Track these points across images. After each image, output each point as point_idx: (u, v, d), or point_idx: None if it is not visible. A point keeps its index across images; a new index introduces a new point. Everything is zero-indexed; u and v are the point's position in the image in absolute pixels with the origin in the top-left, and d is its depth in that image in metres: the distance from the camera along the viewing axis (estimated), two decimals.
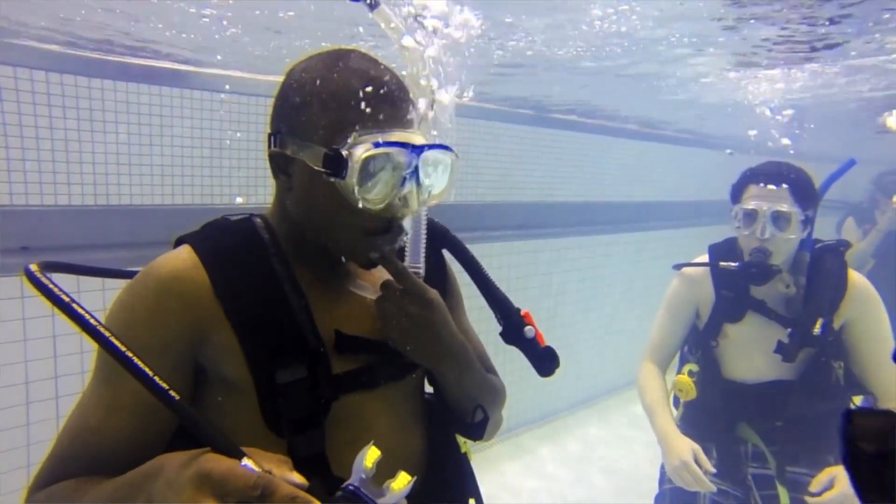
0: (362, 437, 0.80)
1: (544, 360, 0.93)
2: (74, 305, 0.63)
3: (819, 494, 1.42)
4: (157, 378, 0.62)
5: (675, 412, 1.87)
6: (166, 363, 0.73)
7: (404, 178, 0.73)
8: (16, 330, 1.87)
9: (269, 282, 0.77)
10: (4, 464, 1.87)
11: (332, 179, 0.71)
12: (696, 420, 1.81)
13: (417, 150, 0.73)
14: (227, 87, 2.26)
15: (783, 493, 1.60)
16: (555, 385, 3.79)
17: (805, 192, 1.56)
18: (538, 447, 3.48)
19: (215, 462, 0.59)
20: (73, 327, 0.63)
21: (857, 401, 1.63)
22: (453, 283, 1.00)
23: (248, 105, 2.31)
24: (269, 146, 0.78)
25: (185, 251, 0.76)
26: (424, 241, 0.85)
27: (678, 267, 1.81)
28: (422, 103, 0.79)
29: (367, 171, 0.71)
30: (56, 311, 0.63)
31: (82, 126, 1.96)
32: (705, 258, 1.75)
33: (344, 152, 0.70)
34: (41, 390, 1.93)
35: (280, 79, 0.80)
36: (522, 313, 0.94)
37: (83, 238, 1.98)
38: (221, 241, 0.78)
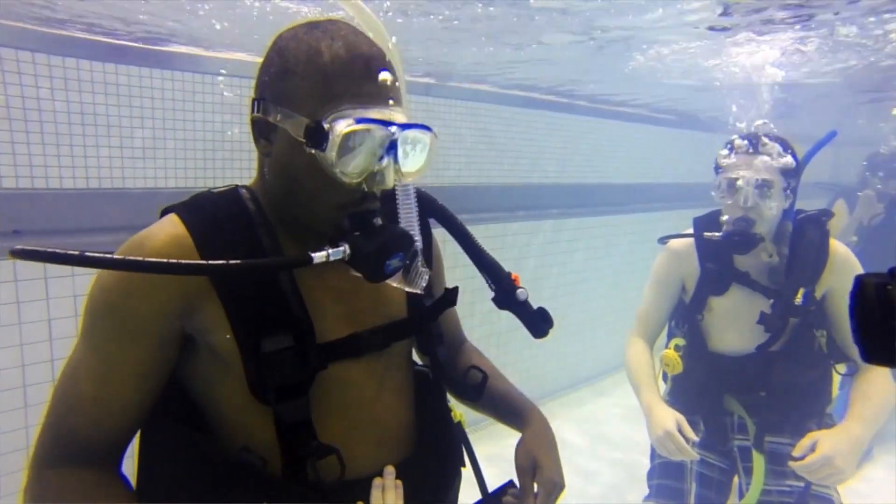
0: (349, 404, 0.82)
1: (538, 322, 0.95)
2: (67, 251, 0.65)
3: (801, 459, 1.46)
4: (175, 260, 0.69)
5: (663, 386, 1.90)
6: (156, 331, 0.75)
7: (382, 155, 0.74)
8: (10, 313, 1.88)
9: (255, 252, 0.77)
10: (4, 446, 1.90)
11: (312, 151, 0.72)
12: (683, 394, 1.84)
13: (398, 128, 0.74)
14: (224, 70, 2.25)
15: (758, 461, 1.63)
16: (553, 365, 3.84)
17: (787, 162, 1.58)
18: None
19: None
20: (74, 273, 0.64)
21: (841, 369, 1.65)
22: (437, 250, 1.02)
23: (246, 88, 2.31)
24: (252, 111, 0.78)
25: (174, 222, 0.77)
26: (417, 214, 0.86)
27: (663, 240, 1.83)
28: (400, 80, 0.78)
29: (347, 145, 0.72)
30: (57, 265, 0.67)
31: (72, 108, 1.96)
32: (691, 231, 1.77)
33: (325, 125, 0.71)
34: (37, 373, 1.95)
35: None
36: (512, 277, 0.95)
37: (75, 221, 1.98)
38: (208, 212, 0.79)
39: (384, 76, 0.74)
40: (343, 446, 0.78)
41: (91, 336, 0.76)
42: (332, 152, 0.71)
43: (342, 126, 0.70)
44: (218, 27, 1.97)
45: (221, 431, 0.80)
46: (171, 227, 0.76)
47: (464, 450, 0.98)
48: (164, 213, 0.81)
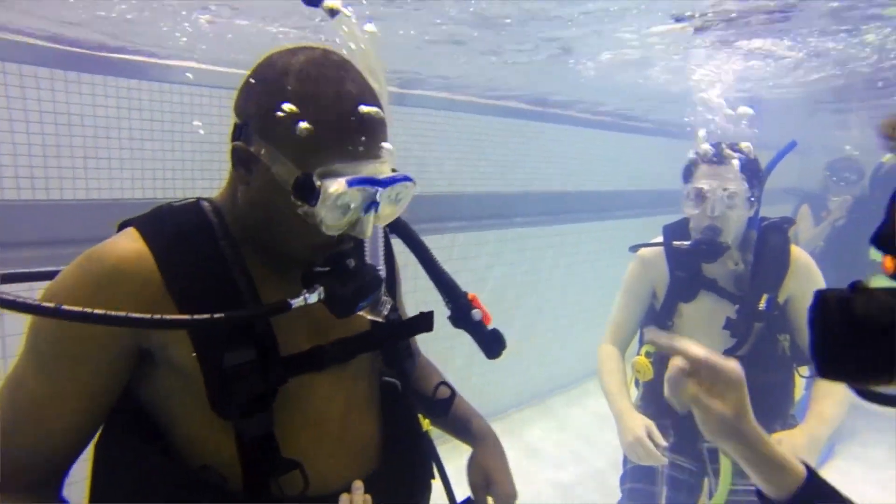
0: (315, 417, 0.81)
1: (491, 343, 0.95)
2: (43, 302, 0.65)
3: None
4: (158, 316, 0.67)
5: (636, 392, 1.93)
6: (107, 349, 0.73)
7: (366, 208, 0.75)
8: None
9: (216, 265, 0.76)
10: None
11: (298, 202, 0.71)
12: (654, 399, 1.85)
13: (383, 183, 0.74)
14: (187, 76, 2.22)
15: (725, 462, 1.67)
16: (522, 376, 3.84)
17: (752, 172, 1.63)
18: (512, 433, 3.52)
19: None
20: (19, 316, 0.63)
21: (804, 371, 1.70)
22: (396, 265, 1.03)
23: (206, 97, 2.27)
24: (234, 136, 0.75)
25: (132, 236, 0.75)
26: (382, 242, 0.87)
27: (635, 248, 1.86)
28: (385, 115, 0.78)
29: (335, 204, 0.71)
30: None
31: (31, 117, 1.90)
32: (661, 239, 1.80)
33: (315, 182, 0.70)
34: None
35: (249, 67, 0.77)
36: (469, 296, 0.95)
37: (34, 233, 1.92)
38: (168, 224, 0.78)
39: (376, 131, 0.74)
40: (309, 460, 0.77)
41: (35, 354, 0.74)
42: (319, 209, 0.70)
43: (333, 187, 0.69)
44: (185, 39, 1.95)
45: (180, 448, 0.77)
46: (129, 242, 0.74)
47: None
48: (123, 226, 0.79)
